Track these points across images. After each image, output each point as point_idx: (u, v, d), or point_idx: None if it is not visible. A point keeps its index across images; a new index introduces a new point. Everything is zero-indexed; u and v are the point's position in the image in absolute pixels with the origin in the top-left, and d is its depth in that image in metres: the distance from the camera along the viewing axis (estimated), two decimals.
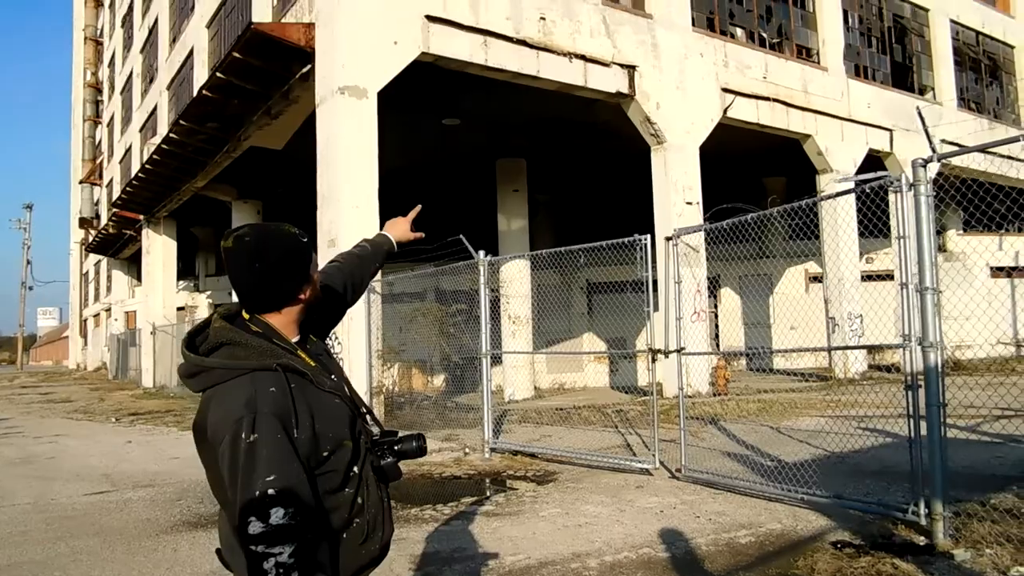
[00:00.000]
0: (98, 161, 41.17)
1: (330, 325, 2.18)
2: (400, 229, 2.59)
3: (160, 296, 24.94)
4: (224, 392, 1.71)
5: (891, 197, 5.22)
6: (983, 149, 5.24)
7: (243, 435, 1.63)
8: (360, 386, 11.75)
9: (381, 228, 2.64)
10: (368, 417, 1.97)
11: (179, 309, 27.61)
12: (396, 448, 1.97)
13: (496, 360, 16.70)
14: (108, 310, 39.27)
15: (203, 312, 28.63)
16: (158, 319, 23.85)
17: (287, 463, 1.65)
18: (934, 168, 5.01)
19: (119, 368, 31.55)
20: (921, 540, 4.71)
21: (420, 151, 19.00)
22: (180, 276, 28.35)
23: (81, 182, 41.82)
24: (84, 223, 40.74)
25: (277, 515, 1.60)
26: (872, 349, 19.49)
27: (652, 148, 15.74)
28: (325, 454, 1.76)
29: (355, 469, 1.83)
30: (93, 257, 42.08)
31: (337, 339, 11.96)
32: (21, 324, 60.56)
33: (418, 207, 2.80)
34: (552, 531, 5.48)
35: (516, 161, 19.33)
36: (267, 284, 1.82)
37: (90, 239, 36.36)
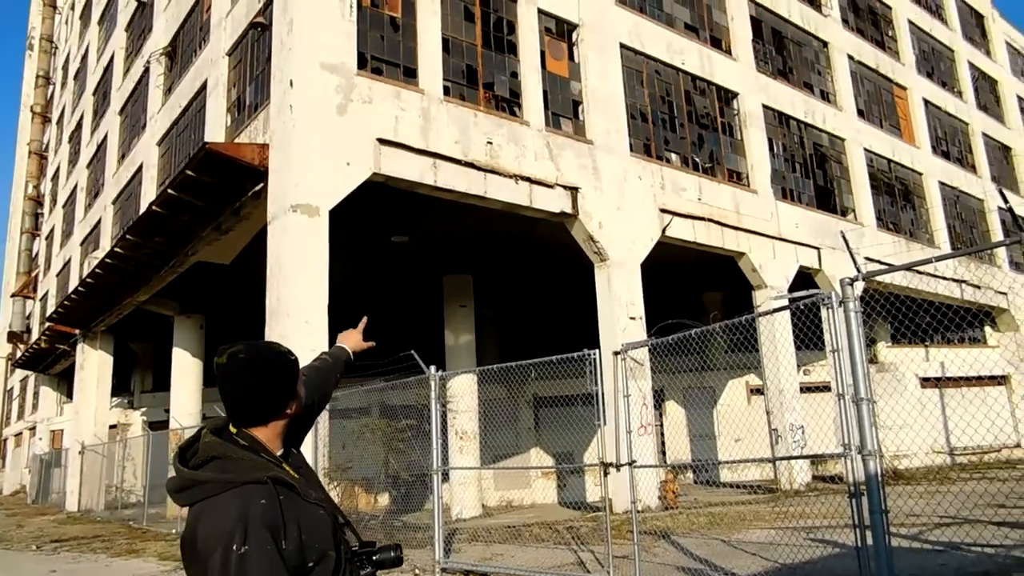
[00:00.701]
0: (33, 274, 40.23)
1: (301, 437, 2.27)
2: (354, 340, 2.78)
3: (92, 413, 23.92)
4: (215, 505, 1.78)
5: (823, 313, 5.56)
6: (907, 267, 5.68)
7: (235, 547, 1.70)
8: None
9: (332, 341, 2.81)
10: (347, 528, 2.04)
11: (111, 427, 26.49)
12: (375, 558, 2.04)
13: (444, 477, 16.39)
14: (32, 428, 37.39)
15: (137, 430, 27.53)
16: (88, 437, 22.80)
17: (276, 572, 1.72)
18: (860, 286, 5.39)
19: (40, 491, 29.76)
20: None
21: (369, 266, 19.24)
22: (114, 392, 27.35)
23: (13, 295, 40.65)
24: (13, 337, 39.33)
25: None
26: (815, 459, 19.83)
27: (596, 265, 16.27)
28: (311, 564, 1.83)
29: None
30: (20, 373, 40.37)
31: None
32: None
33: (365, 319, 3.00)
34: None
35: (463, 277, 19.70)
36: (257, 399, 1.94)
37: (18, 354, 35.00)
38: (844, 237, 6.06)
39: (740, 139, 20.44)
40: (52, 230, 37.37)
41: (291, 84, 12.51)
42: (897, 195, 25.78)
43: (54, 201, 38.33)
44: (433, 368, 9.30)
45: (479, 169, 14.23)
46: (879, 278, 16.51)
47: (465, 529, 13.39)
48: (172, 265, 17.57)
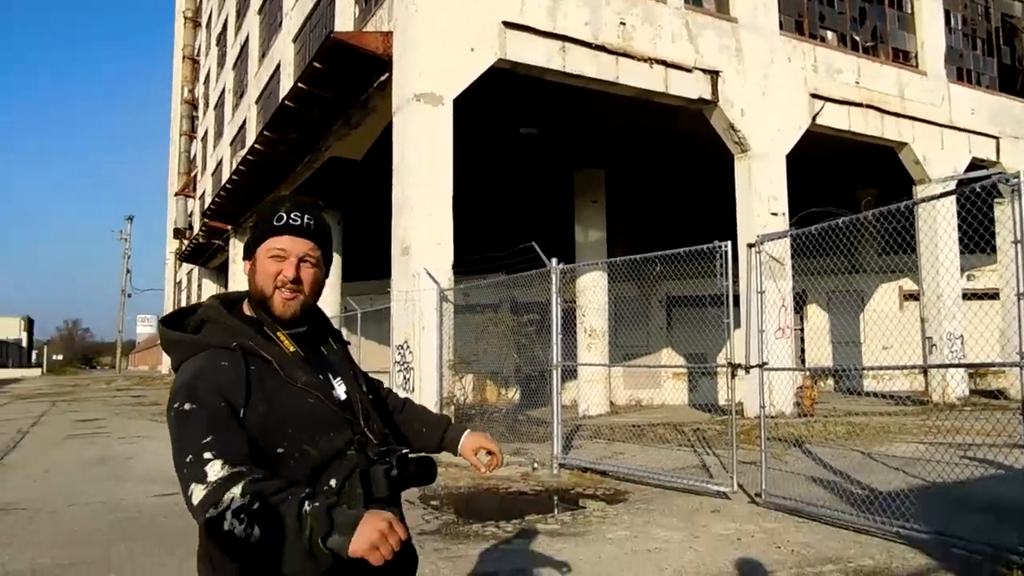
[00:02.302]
0: (192, 174, 42.99)
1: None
2: (472, 442, 2.15)
3: None
4: (184, 367, 1.61)
5: (997, 209, 4.67)
6: None
7: (180, 404, 1.52)
8: (431, 397, 11.62)
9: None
10: (367, 429, 1.71)
11: None
12: (393, 474, 1.66)
13: (571, 374, 16.34)
14: None
15: None
16: None
17: (226, 426, 1.49)
18: None
19: None
20: None
21: (497, 160, 18.89)
22: None
23: (176, 194, 43.73)
24: (178, 234, 42.55)
25: (215, 469, 1.42)
26: (975, 370, 18.19)
27: (736, 156, 15.14)
28: (280, 452, 1.56)
29: (332, 483, 1.60)
30: (186, 267, 43.88)
31: (408, 348, 11.88)
32: (120, 330, 63.59)
33: (499, 455, 2.20)
34: (619, 555, 5.11)
35: (594, 171, 19.00)
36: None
37: (183, 248, 37.92)
38: None
39: (910, 12, 18.06)
40: (206, 132, 39.50)
41: None
42: None
43: (207, 103, 40.32)
44: (554, 261, 8.95)
45: (610, 52, 13.32)
46: None
47: (589, 426, 13.31)
48: (307, 161, 17.99)
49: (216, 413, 1.50)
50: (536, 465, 8.89)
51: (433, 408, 11.51)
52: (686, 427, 12.64)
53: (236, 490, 1.39)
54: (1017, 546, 4.45)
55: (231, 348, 1.60)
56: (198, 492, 1.41)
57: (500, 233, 16.10)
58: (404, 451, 1.71)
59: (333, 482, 1.60)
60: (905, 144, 17.20)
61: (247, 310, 1.72)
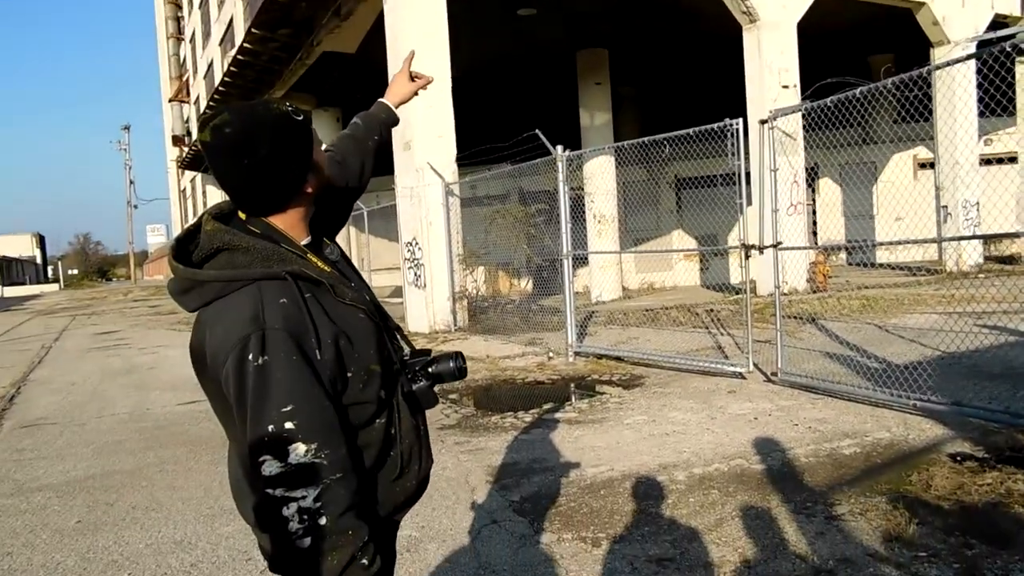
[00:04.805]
0: (184, 78, 41.84)
1: (338, 225, 1.83)
2: (398, 88, 2.14)
3: None
4: (224, 308, 1.40)
5: (1019, 68, 4.40)
6: None
7: (250, 357, 1.32)
8: (443, 291, 11.65)
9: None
10: (397, 334, 1.65)
11: None
12: (430, 370, 1.65)
13: (582, 261, 16.31)
14: None
15: None
16: None
17: (308, 390, 1.34)
18: None
19: None
20: None
21: (496, 45, 18.19)
22: None
23: (170, 100, 42.73)
24: (177, 141, 41.83)
25: (297, 452, 1.30)
26: (988, 239, 18.00)
27: (744, 28, 14.47)
28: (352, 379, 1.45)
29: (385, 396, 1.53)
30: (189, 174, 43.43)
31: (417, 244, 11.82)
32: (131, 241, 63.83)
33: (412, 52, 2.32)
34: (637, 440, 5.19)
35: (597, 52, 18.31)
36: (263, 181, 1.46)
37: (183, 156, 37.40)
38: None
39: None
40: (194, 32, 38.12)
41: None
42: None
43: (191, 2, 38.74)
44: (560, 148, 8.71)
45: None
46: None
47: (602, 312, 13.38)
48: (300, 57, 17.40)
49: (294, 368, 1.34)
50: (552, 354, 8.98)
51: (446, 302, 11.59)
52: (699, 308, 12.68)
53: (312, 492, 1.30)
54: None
55: (281, 278, 1.41)
56: (271, 467, 1.30)
57: (503, 122, 15.69)
58: (429, 355, 1.66)
59: (386, 396, 1.53)
60: (923, 4, 16.36)
61: (255, 228, 1.49)
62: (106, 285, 69.98)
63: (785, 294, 9.28)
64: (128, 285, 55.13)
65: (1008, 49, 4.88)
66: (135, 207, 61.29)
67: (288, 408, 1.31)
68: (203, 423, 6.53)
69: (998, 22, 17.40)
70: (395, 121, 2.12)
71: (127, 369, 10.55)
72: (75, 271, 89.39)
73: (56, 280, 70.62)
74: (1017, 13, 17.69)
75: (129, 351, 12.74)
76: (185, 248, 1.50)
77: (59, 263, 79.17)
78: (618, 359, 8.39)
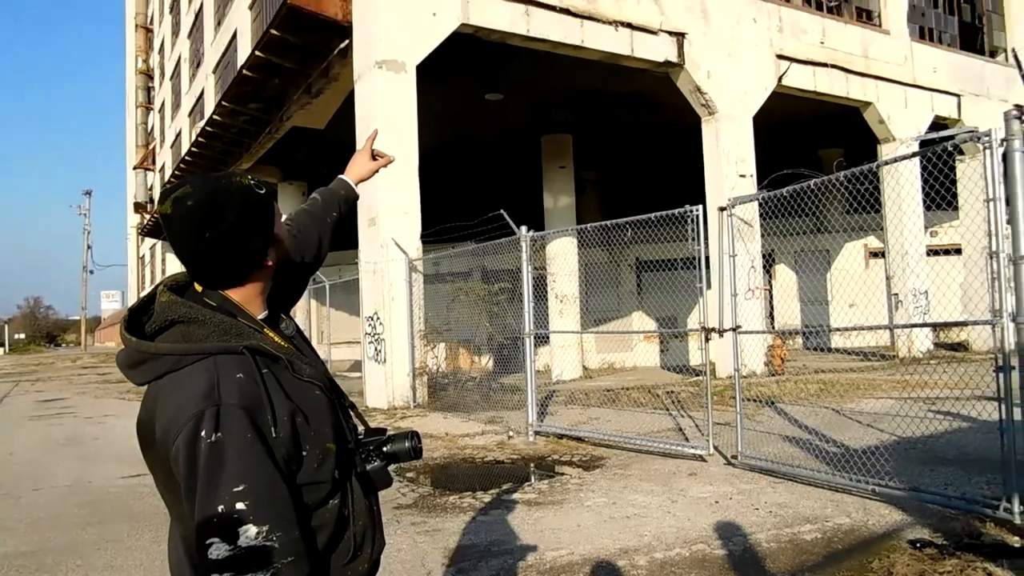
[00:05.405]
0: (151, 147, 41.86)
1: (292, 299, 1.81)
2: (358, 166, 2.14)
3: None
4: (178, 382, 1.34)
5: (959, 166, 4.65)
6: None
7: (203, 433, 1.27)
8: (403, 367, 11.53)
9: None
10: (352, 412, 1.62)
11: None
12: (385, 450, 1.62)
13: (544, 340, 16.34)
14: None
15: None
16: None
17: (261, 469, 1.30)
18: None
19: None
20: (1016, 541, 4.20)
21: (463, 127, 18.66)
22: None
23: (135, 168, 42.58)
24: (139, 208, 41.48)
25: (248, 535, 1.25)
26: (939, 327, 18.54)
27: (703, 119, 15.09)
28: (307, 457, 1.40)
29: (340, 476, 1.49)
30: (149, 241, 42.94)
31: (379, 319, 11.75)
32: (83, 307, 62.40)
33: (375, 130, 2.39)
34: (598, 523, 5.11)
35: (561, 137, 18.83)
36: (223, 254, 1.44)
37: (144, 223, 37.06)
38: (1016, 57, 4.99)
39: None
40: (163, 103, 38.40)
41: None
42: None
43: (162, 74, 39.16)
44: (524, 228, 8.84)
45: (575, 15, 13.11)
46: None
47: (563, 391, 13.34)
48: (269, 131, 17.56)
49: (248, 447, 1.29)
50: (512, 433, 8.87)
51: (406, 378, 11.46)
52: (659, 389, 12.73)
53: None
54: (991, 500, 4.51)
55: (238, 352, 1.37)
56: (221, 551, 1.24)
57: (468, 201, 15.93)
58: (384, 434, 1.63)
59: (340, 476, 1.48)
60: (870, 103, 17.28)
61: (211, 300, 1.46)
62: (54, 350, 67.84)
63: (744, 376, 9.39)
64: (78, 352, 53.52)
65: (950, 148, 5.16)
66: (91, 272, 60.17)
67: (240, 488, 1.26)
68: (147, 498, 6.26)
69: (938, 123, 18.41)
70: (355, 198, 2.11)
71: (71, 439, 10.14)
72: (22, 335, 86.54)
73: (1, 344, 68.25)
74: (955, 116, 18.74)
75: (75, 420, 12.27)
76: (138, 319, 1.47)
77: (5, 326, 76.63)
78: (579, 439, 8.32)
